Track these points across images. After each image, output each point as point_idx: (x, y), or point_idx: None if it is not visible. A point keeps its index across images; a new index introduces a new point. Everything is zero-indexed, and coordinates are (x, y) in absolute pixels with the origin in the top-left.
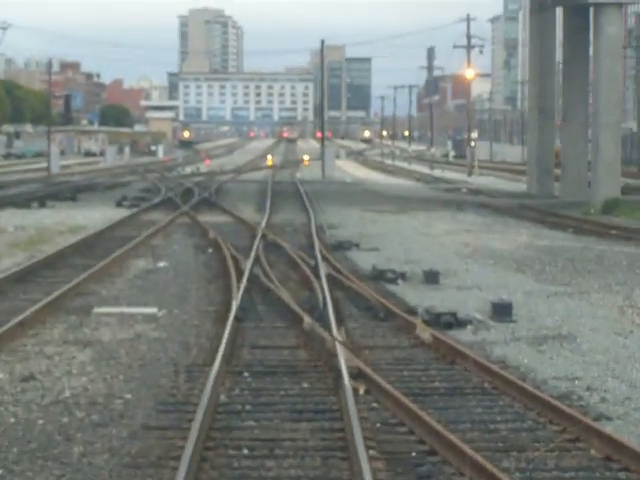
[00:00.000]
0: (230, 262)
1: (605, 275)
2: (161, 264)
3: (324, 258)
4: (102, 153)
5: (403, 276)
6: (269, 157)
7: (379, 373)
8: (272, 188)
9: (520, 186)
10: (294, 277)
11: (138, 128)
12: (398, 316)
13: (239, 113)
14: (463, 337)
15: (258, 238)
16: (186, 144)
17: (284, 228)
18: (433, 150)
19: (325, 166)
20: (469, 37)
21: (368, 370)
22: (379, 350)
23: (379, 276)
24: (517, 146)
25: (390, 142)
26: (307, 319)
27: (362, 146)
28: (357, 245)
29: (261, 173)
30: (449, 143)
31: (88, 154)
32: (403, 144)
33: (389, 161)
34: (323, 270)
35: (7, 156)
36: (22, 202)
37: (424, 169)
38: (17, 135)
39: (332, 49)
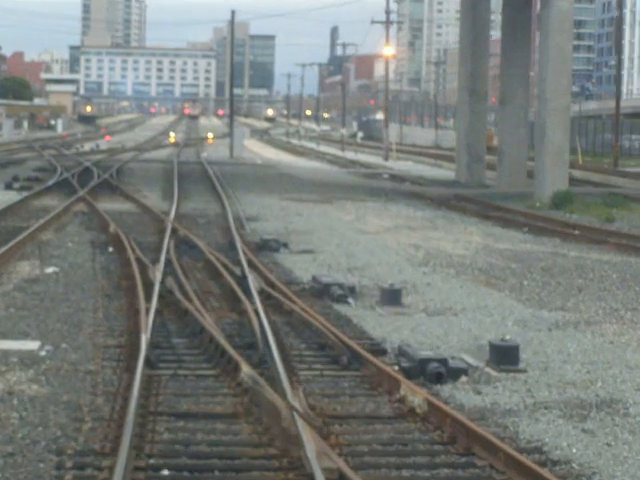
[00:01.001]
0: (135, 268)
1: (602, 294)
2: (50, 270)
3: (250, 263)
4: None
5: (353, 291)
6: (171, 134)
7: (367, 476)
8: (178, 169)
9: (445, 172)
10: (217, 292)
11: (38, 102)
12: (366, 360)
13: (140, 88)
14: (464, 399)
15: (167, 234)
16: (87, 119)
17: (196, 220)
18: (344, 131)
19: (234, 146)
20: (388, 13)
21: (350, 473)
22: (355, 425)
23: (324, 292)
24: (429, 129)
25: (296, 121)
26: (245, 368)
27: (266, 125)
28: (286, 245)
29: (165, 151)
30: (354, 124)
31: None
32: (307, 124)
33: (295, 141)
34: (253, 283)
35: None
36: None
37: (335, 151)
38: None
39: (235, 25)
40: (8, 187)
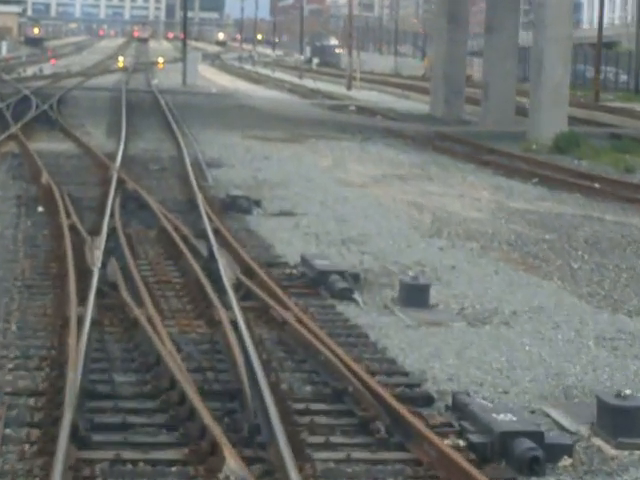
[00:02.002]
0: (69, 242)
1: None
2: None
3: (217, 234)
4: None
5: (357, 280)
6: (120, 58)
7: None
8: (127, 99)
9: (415, 105)
10: (177, 283)
11: None
12: (413, 429)
13: (89, 10)
14: None
15: (112, 187)
16: (35, 41)
17: (148, 166)
18: (302, 57)
19: (187, 72)
20: None
21: None
22: None
23: (319, 282)
24: (387, 56)
25: (249, 46)
26: (231, 458)
27: (217, 49)
28: (259, 204)
29: (113, 77)
30: (308, 49)
31: None
32: (260, 49)
33: (249, 67)
34: (225, 270)
35: None
36: None
37: (292, 78)
38: None
39: None
40: None
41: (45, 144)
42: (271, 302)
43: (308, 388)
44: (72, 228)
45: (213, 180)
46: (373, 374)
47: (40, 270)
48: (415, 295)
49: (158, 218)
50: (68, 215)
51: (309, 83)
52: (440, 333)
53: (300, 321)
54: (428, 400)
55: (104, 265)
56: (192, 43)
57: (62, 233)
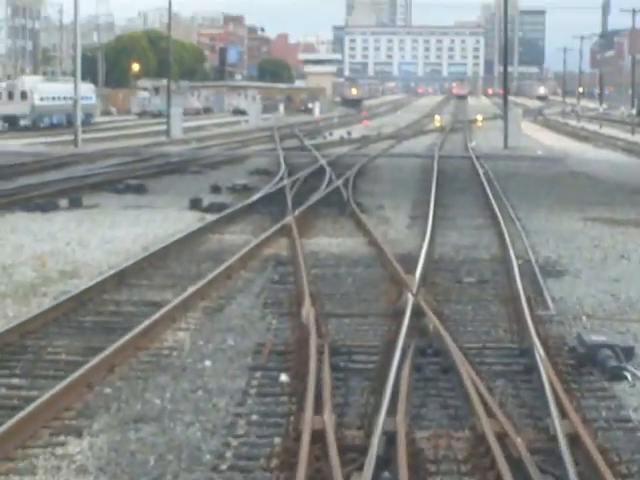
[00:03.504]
0: None
1: None
2: None
3: (576, 446)
4: None
5: None
6: (437, 117)
7: None
8: (439, 168)
9: None
10: None
11: (299, 84)
12: None
13: (407, 68)
14: None
15: (403, 330)
16: (352, 102)
17: (459, 277)
18: (632, 110)
19: (509, 132)
20: None
21: None
22: None
23: None
24: None
25: (573, 100)
26: None
27: (539, 104)
28: (631, 355)
29: (426, 139)
30: (637, 101)
31: (237, 112)
32: (582, 102)
33: (573, 122)
34: None
35: (142, 114)
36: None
37: (622, 134)
38: (157, 91)
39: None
40: (194, 206)
41: (325, 240)
42: None
43: None
44: (320, 446)
45: (554, 305)
46: None
47: None
48: None
49: (472, 405)
50: (318, 404)
51: None
52: None
53: None
54: None
55: None
56: (511, 98)
57: (296, 457)
